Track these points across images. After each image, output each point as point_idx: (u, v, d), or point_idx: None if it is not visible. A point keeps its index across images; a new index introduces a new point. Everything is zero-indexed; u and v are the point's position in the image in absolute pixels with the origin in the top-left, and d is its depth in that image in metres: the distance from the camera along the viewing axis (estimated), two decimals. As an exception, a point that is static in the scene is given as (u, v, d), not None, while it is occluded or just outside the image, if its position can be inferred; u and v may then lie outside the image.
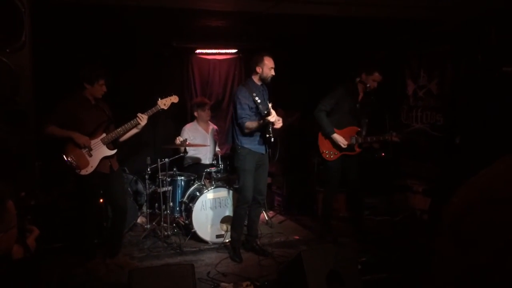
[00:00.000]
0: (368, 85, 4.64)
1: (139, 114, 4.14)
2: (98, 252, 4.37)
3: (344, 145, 4.64)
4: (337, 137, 4.65)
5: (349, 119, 4.74)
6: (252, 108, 4.31)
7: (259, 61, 4.32)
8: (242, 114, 4.28)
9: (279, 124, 4.26)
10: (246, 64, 6.92)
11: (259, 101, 4.29)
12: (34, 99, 3.41)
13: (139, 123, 4.15)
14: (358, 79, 4.70)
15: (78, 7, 4.37)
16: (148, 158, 5.20)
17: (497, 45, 4.77)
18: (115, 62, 5.85)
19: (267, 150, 4.50)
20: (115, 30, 5.50)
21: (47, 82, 4.77)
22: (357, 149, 4.76)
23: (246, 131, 4.29)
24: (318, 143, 4.77)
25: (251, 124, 4.26)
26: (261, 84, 4.44)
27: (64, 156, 4.00)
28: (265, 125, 4.23)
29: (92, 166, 4.07)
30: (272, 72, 4.34)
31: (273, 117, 4.11)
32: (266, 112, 4.17)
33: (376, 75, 4.62)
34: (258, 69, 4.33)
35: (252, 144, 4.37)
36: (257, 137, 4.39)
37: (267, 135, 4.27)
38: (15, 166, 3.27)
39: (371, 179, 5.82)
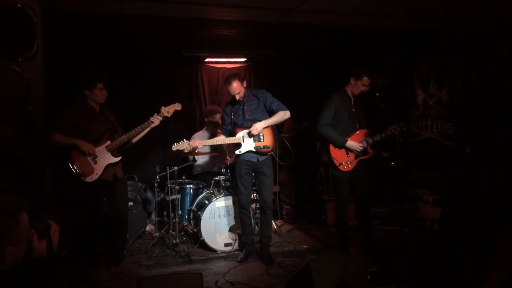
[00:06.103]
0: (364, 86, 4.56)
1: (154, 115, 4.29)
2: (104, 260, 4.37)
3: (360, 149, 4.58)
4: (351, 143, 4.55)
5: (351, 125, 4.65)
6: (229, 124, 4.61)
7: None
8: (222, 127, 4.75)
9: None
10: (255, 72, 6.95)
11: (232, 117, 4.56)
12: (45, 107, 3.44)
13: (150, 124, 4.26)
14: (348, 84, 4.63)
15: (89, 16, 4.42)
16: (157, 166, 5.23)
17: (508, 54, 4.74)
18: (125, 70, 5.90)
19: (259, 159, 4.53)
20: (126, 39, 5.55)
21: (58, 91, 4.81)
22: (370, 151, 4.69)
23: None
24: (331, 157, 4.60)
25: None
26: (243, 100, 4.54)
27: (69, 163, 4.03)
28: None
29: (97, 173, 4.10)
30: (234, 94, 4.46)
31: (183, 145, 4.51)
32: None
33: (365, 79, 4.54)
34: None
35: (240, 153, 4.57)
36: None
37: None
38: (27, 175, 3.29)
39: (381, 189, 5.78)
